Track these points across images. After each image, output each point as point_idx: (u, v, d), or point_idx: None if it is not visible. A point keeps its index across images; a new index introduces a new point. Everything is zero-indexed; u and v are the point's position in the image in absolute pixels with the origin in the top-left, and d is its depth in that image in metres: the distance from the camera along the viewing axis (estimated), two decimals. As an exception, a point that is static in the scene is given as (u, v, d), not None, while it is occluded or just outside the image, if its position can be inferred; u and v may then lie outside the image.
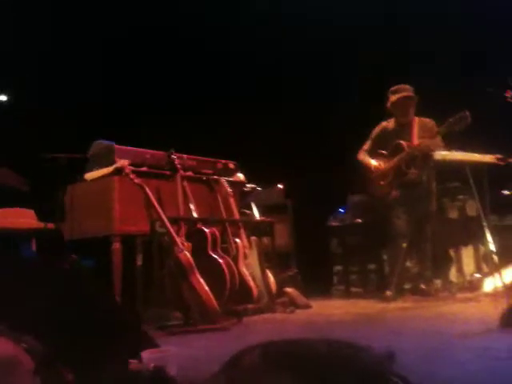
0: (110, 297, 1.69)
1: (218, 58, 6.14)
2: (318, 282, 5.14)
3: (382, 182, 4.46)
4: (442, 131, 4.15)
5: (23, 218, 4.19)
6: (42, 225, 4.17)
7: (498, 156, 3.87)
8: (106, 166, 3.81)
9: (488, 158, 3.90)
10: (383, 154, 4.51)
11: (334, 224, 5.48)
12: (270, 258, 4.26)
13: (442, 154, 3.93)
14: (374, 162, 4.53)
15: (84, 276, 1.61)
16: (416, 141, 4.33)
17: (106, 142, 4.00)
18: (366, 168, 4.56)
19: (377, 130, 4.62)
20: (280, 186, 5.51)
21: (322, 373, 0.93)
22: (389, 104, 4.48)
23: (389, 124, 4.57)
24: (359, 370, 0.94)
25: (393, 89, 4.47)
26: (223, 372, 1.03)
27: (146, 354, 1.49)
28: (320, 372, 0.93)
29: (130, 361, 1.39)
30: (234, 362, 1.02)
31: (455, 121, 3.96)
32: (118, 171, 3.68)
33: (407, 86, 4.45)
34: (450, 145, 4.08)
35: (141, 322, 2.50)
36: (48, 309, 1.44)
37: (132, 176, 3.58)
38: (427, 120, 4.42)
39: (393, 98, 4.45)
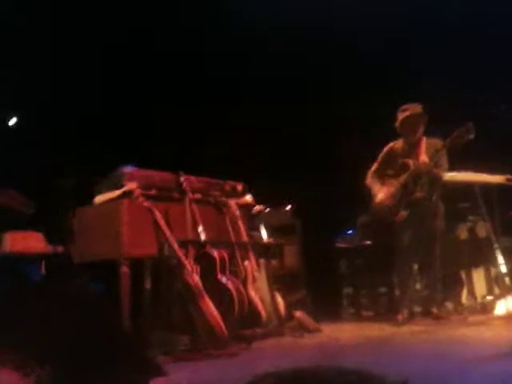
0: (117, 322, 1.67)
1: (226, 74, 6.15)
2: (327, 304, 5.08)
3: (389, 203, 4.45)
4: (447, 145, 4.14)
5: (32, 241, 4.20)
6: (50, 248, 4.18)
7: (509, 177, 3.85)
8: (115, 189, 3.83)
9: (498, 178, 3.89)
10: (391, 174, 4.51)
11: (342, 245, 5.44)
12: (278, 280, 4.23)
13: (451, 175, 3.92)
14: (379, 197, 4.52)
15: (91, 300, 1.60)
16: (422, 159, 4.32)
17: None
18: (372, 196, 4.56)
19: (385, 150, 4.63)
20: (288, 206, 5.50)
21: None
22: (397, 123, 4.49)
23: (396, 144, 4.58)
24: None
25: (402, 107, 4.48)
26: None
27: (154, 383, 1.47)
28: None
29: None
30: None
31: (460, 133, 3.96)
32: (127, 194, 3.69)
33: (416, 105, 4.45)
34: (459, 162, 4.07)
35: (148, 348, 2.48)
36: (53, 335, 1.43)
37: (141, 199, 3.58)
38: (435, 141, 4.41)
39: (401, 116, 4.46)
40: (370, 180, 4.62)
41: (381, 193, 4.51)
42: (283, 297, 4.15)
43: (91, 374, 1.39)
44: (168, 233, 3.53)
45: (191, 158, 4.61)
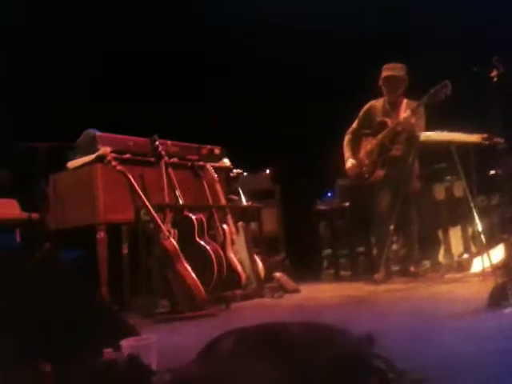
0: (86, 286, 1.65)
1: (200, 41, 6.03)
2: (307, 267, 5.13)
3: (366, 161, 4.47)
4: (424, 102, 4.15)
5: (6, 208, 4.12)
6: (25, 215, 4.10)
7: (484, 135, 3.86)
8: (89, 153, 3.75)
9: (474, 137, 3.89)
10: (368, 132, 4.51)
11: (321, 208, 5.46)
12: (258, 244, 4.24)
13: (427, 135, 3.91)
14: (350, 161, 4.55)
15: (58, 265, 1.57)
16: (402, 116, 4.32)
17: (93, 131, 3.93)
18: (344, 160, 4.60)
19: (365, 108, 4.62)
20: (267, 170, 5.48)
21: (298, 356, 0.90)
22: (379, 80, 4.46)
23: (377, 102, 4.57)
24: (335, 352, 0.91)
25: (386, 65, 4.45)
26: (199, 359, 0.99)
27: (125, 343, 1.45)
28: (295, 355, 0.90)
29: (105, 350, 1.35)
30: (209, 349, 0.99)
31: (436, 91, 3.98)
32: (101, 159, 3.62)
33: (400, 65, 4.44)
34: (435, 122, 4.08)
35: (124, 314, 2.46)
36: (20, 301, 1.40)
37: (114, 163, 3.52)
38: (415, 102, 4.40)
39: (383, 73, 4.44)
40: (346, 141, 4.62)
41: (352, 160, 4.54)
42: (263, 260, 4.17)
43: (59, 337, 1.37)
44: (144, 197, 3.49)
45: (166, 123, 4.52)
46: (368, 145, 4.52)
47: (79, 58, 5.44)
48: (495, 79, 3.77)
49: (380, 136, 4.41)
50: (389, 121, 4.38)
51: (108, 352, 1.34)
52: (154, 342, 1.50)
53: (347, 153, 4.61)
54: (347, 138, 4.64)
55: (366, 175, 4.49)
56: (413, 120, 4.20)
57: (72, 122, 4.96)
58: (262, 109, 5.83)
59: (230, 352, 0.94)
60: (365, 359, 0.93)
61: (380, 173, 4.42)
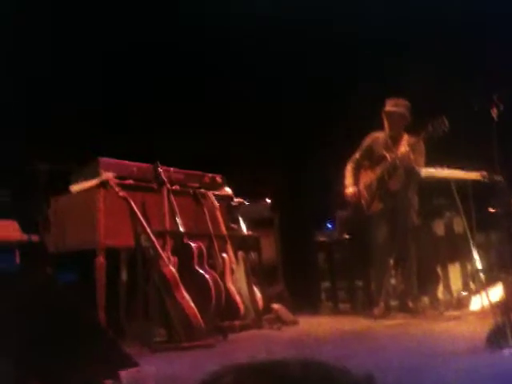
0: (85, 314, 1.64)
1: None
2: (305, 298, 5.10)
3: (364, 194, 4.50)
4: (422, 138, 4.21)
5: (7, 230, 4.11)
6: (25, 237, 4.10)
7: (483, 173, 3.89)
8: (92, 178, 3.76)
9: (473, 175, 3.92)
10: (368, 165, 4.55)
11: (321, 239, 5.46)
12: (256, 273, 4.23)
13: (428, 171, 3.94)
14: (350, 189, 4.57)
15: (58, 290, 1.56)
16: (400, 151, 4.36)
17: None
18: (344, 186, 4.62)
19: (368, 140, 4.66)
20: (267, 200, 5.49)
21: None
22: (383, 112, 4.52)
23: (380, 135, 4.61)
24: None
25: (389, 100, 4.51)
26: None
27: (124, 374, 1.44)
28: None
29: (106, 381, 1.35)
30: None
31: (434, 127, 4.03)
32: (103, 184, 3.63)
33: (403, 102, 4.49)
34: (434, 158, 4.12)
35: (120, 341, 2.44)
36: (19, 324, 1.39)
37: (117, 189, 3.53)
38: (415, 138, 4.44)
39: (386, 108, 4.50)
40: (348, 169, 4.65)
41: (352, 189, 4.56)
42: (261, 290, 4.15)
43: (54, 365, 1.36)
44: (145, 223, 3.49)
45: (169, 150, 4.56)
46: (367, 178, 4.56)
47: (80, 81, 5.49)
48: (495, 117, 3.82)
49: (379, 170, 4.45)
50: (388, 155, 4.42)
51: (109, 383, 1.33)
52: (153, 374, 1.49)
53: (348, 179, 4.62)
54: (349, 166, 4.68)
55: (365, 208, 4.51)
56: (411, 156, 4.25)
57: (74, 145, 4.99)
58: (264, 137, 5.88)
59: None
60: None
61: (378, 206, 4.44)
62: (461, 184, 3.87)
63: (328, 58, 5.75)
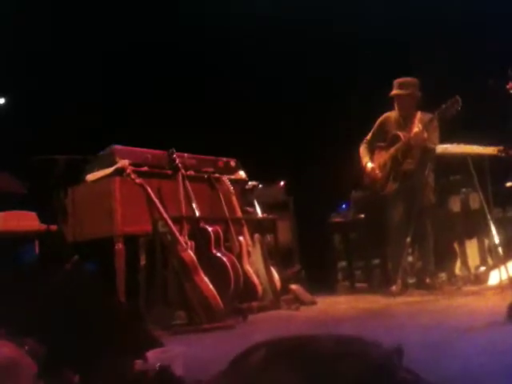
0: (112, 297, 1.68)
1: (218, 53, 6.09)
2: (322, 278, 5.12)
3: (378, 174, 4.48)
4: (435, 118, 4.17)
5: (25, 221, 4.17)
6: (44, 227, 4.15)
7: (500, 148, 3.85)
8: (107, 166, 3.80)
9: (490, 149, 3.89)
10: (382, 145, 4.53)
11: (336, 220, 5.46)
12: (273, 256, 4.25)
13: (443, 147, 3.92)
14: (369, 165, 4.55)
15: (86, 277, 1.60)
16: (414, 131, 4.33)
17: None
18: (362, 165, 4.60)
19: (379, 120, 4.63)
20: (282, 182, 5.50)
21: (331, 369, 0.91)
22: (391, 94, 4.48)
23: (391, 114, 4.58)
24: (368, 365, 0.92)
25: (398, 81, 4.46)
26: (230, 370, 1.01)
27: (151, 354, 1.48)
28: (328, 368, 0.92)
29: (136, 361, 1.38)
30: (240, 361, 1.01)
31: (447, 106, 4.00)
32: (119, 172, 3.67)
33: (411, 81, 4.44)
34: (450, 134, 4.09)
35: (145, 322, 2.49)
36: (49, 311, 1.43)
37: (133, 176, 3.56)
38: (429, 115, 4.40)
39: (393, 91, 4.46)
40: (361, 149, 4.64)
41: (370, 164, 4.54)
42: (278, 272, 4.18)
43: (87, 349, 1.40)
44: (161, 209, 3.53)
45: (183, 136, 4.58)
46: (381, 158, 4.53)
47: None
48: (511, 91, 3.77)
49: (392, 150, 4.41)
50: (401, 135, 4.37)
51: (139, 363, 1.36)
52: (181, 353, 1.52)
53: (365, 158, 4.61)
54: (362, 147, 4.67)
55: (379, 188, 4.50)
56: (425, 135, 4.20)
57: (90, 135, 5.04)
58: (277, 121, 5.88)
59: (260, 364, 0.96)
60: (396, 371, 0.94)
61: (392, 186, 4.42)
62: (477, 159, 3.84)
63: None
